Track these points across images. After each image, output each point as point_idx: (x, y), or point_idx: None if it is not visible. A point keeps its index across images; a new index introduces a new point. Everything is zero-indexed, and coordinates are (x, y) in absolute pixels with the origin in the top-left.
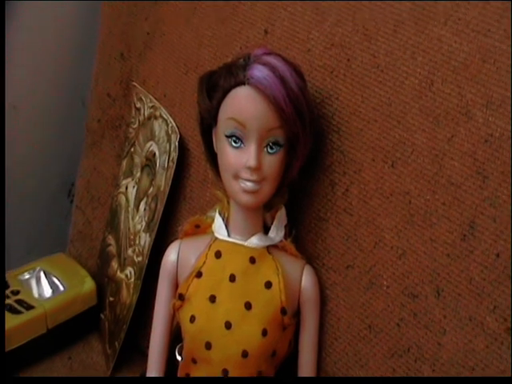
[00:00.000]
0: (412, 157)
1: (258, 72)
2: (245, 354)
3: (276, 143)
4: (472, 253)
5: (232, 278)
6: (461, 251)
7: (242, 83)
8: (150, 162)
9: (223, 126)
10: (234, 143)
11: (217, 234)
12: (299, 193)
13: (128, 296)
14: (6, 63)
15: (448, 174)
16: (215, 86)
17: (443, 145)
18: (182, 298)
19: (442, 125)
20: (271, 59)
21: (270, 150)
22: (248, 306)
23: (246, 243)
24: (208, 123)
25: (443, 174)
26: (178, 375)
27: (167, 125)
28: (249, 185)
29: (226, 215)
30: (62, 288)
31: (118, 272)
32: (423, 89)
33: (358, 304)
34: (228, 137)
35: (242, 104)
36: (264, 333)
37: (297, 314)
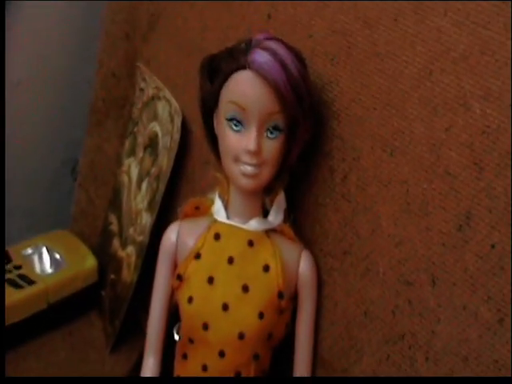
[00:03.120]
0: (410, 146)
1: (259, 57)
2: (241, 336)
3: (276, 128)
4: (467, 243)
5: (230, 261)
6: (456, 241)
7: (244, 67)
8: (152, 143)
9: (224, 109)
10: (234, 127)
11: (216, 216)
12: (299, 178)
13: (129, 274)
14: (12, 39)
15: (445, 164)
16: (217, 69)
17: (441, 135)
18: (180, 278)
19: (440, 115)
20: (272, 44)
21: (269, 135)
22: (245, 288)
23: (244, 226)
24: (209, 106)
25: (440, 163)
26: (176, 354)
27: (170, 106)
28: (248, 169)
29: (226, 198)
30: (63, 264)
31: (120, 250)
32: (422, 78)
33: (355, 290)
34: (229, 120)
35: (243, 88)
36: (260, 316)
37: (294, 298)
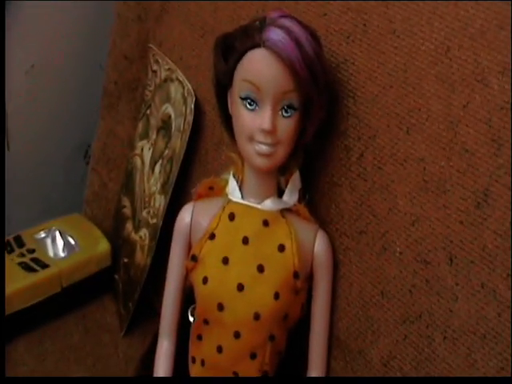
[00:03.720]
0: (427, 123)
1: (274, 34)
2: (256, 317)
3: (291, 106)
4: (486, 220)
5: (245, 241)
6: (474, 218)
7: (258, 45)
8: (165, 125)
9: (238, 87)
10: (248, 105)
11: (231, 197)
12: (314, 157)
13: (142, 257)
14: (23, 23)
15: (463, 141)
16: (231, 47)
17: (458, 111)
18: (194, 259)
19: (458, 91)
20: (287, 22)
21: (284, 114)
22: (260, 268)
23: (259, 206)
24: (223, 85)
25: (458, 140)
26: (190, 336)
27: (183, 87)
28: (263, 148)
29: (241, 178)
30: (76, 248)
31: (133, 233)
32: (439, 55)
33: (371, 269)
34: (243, 99)
35: (257, 66)
36: (276, 296)
37: (309, 279)
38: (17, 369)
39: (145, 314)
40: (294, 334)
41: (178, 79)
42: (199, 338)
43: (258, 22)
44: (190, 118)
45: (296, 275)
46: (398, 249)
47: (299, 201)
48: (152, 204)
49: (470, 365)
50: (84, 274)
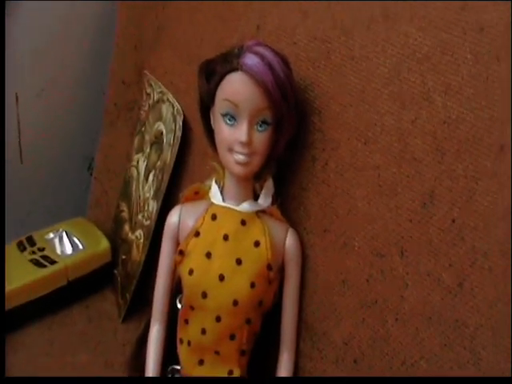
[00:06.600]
0: (381, 136)
1: (250, 60)
2: (235, 303)
3: (265, 122)
4: (431, 218)
5: (225, 238)
6: (422, 217)
7: (236, 69)
8: (157, 140)
9: (219, 106)
10: (228, 121)
11: (213, 200)
12: (285, 166)
13: (137, 254)
14: (36, 54)
15: (411, 151)
16: (213, 71)
17: (408, 126)
18: (182, 253)
19: (408, 108)
20: (261, 49)
21: (259, 128)
22: (239, 261)
23: (238, 208)
24: (207, 104)
25: (407, 150)
26: (178, 320)
27: (173, 107)
28: (241, 157)
29: (222, 184)
30: (81, 246)
31: (130, 234)
32: (392, 77)
33: (334, 262)
34: (223, 115)
35: (236, 87)
36: (252, 285)
37: (281, 271)
38: (30, 351)
39: (140, 303)
40: (267, 317)
41: (168, 100)
42: (186, 322)
43: (236, 49)
44: (179, 133)
45: (269, 267)
46: (357, 244)
47: (272, 204)
48: (146, 208)
49: (418, 343)
50: (87, 269)
